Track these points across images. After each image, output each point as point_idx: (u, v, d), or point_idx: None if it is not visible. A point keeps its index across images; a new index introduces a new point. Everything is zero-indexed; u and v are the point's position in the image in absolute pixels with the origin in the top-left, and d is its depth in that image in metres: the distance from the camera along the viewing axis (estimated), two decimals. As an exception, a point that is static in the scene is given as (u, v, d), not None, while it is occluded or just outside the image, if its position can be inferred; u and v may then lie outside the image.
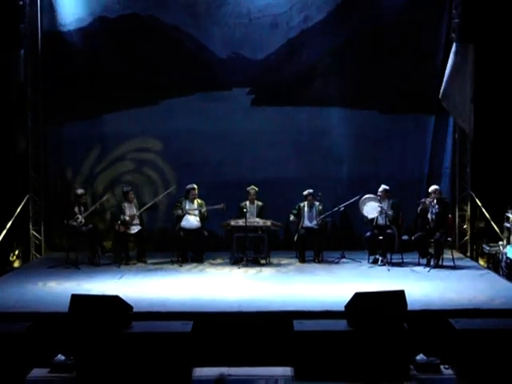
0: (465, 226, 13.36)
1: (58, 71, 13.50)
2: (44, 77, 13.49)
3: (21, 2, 12.91)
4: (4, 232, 12.29)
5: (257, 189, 12.82)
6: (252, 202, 12.77)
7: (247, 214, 12.35)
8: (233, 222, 12.48)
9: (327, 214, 12.70)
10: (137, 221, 12.64)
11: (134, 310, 8.12)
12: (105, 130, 13.75)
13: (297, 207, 12.81)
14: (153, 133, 13.82)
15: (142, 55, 13.55)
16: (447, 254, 12.00)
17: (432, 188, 12.28)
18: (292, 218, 12.81)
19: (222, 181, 13.72)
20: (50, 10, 13.37)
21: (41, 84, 13.48)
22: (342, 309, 8.06)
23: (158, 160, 13.86)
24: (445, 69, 12.88)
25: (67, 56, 13.48)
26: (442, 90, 12.85)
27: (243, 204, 12.72)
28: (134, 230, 12.58)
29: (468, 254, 13.18)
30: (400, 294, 7.96)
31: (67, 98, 13.51)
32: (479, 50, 12.67)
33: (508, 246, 11.73)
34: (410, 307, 8.01)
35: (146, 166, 13.88)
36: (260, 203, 12.85)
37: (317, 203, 12.69)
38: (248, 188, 12.85)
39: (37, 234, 13.53)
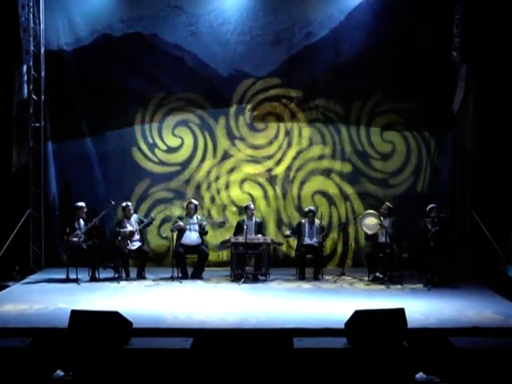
0: (464, 244, 13.33)
1: (59, 88, 13.54)
2: (46, 94, 13.49)
3: (24, 19, 12.94)
4: (5, 247, 12.27)
5: (253, 205, 12.90)
6: (250, 219, 12.77)
7: (247, 231, 12.36)
8: (233, 239, 12.48)
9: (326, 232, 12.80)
10: (137, 237, 12.66)
11: (134, 326, 8.10)
12: (105, 147, 13.78)
13: (297, 224, 12.84)
14: (154, 149, 13.85)
15: (144, 73, 13.62)
16: (447, 273, 11.98)
17: (430, 206, 12.30)
18: (288, 232, 12.81)
19: (221, 197, 13.76)
20: (54, 27, 13.45)
21: (42, 101, 13.48)
22: (342, 326, 8.05)
23: (158, 176, 13.87)
24: (445, 87, 12.95)
25: (69, 73, 13.55)
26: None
27: (241, 220, 12.75)
28: (134, 245, 12.59)
29: (468, 272, 13.14)
30: (400, 312, 7.95)
31: (68, 115, 13.59)
32: (480, 68, 12.71)
33: (508, 265, 11.71)
34: (409, 325, 7.99)
35: (144, 182, 13.89)
36: (258, 220, 12.87)
37: (317, 221, 12.70)
38: (245, 204, 12.90)
39: (37, 249, 13.51)
